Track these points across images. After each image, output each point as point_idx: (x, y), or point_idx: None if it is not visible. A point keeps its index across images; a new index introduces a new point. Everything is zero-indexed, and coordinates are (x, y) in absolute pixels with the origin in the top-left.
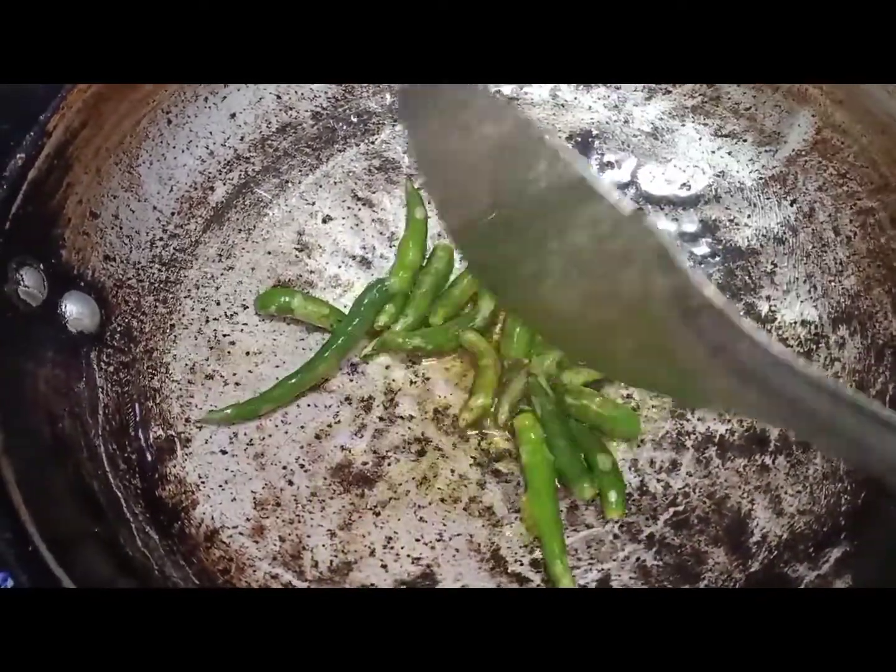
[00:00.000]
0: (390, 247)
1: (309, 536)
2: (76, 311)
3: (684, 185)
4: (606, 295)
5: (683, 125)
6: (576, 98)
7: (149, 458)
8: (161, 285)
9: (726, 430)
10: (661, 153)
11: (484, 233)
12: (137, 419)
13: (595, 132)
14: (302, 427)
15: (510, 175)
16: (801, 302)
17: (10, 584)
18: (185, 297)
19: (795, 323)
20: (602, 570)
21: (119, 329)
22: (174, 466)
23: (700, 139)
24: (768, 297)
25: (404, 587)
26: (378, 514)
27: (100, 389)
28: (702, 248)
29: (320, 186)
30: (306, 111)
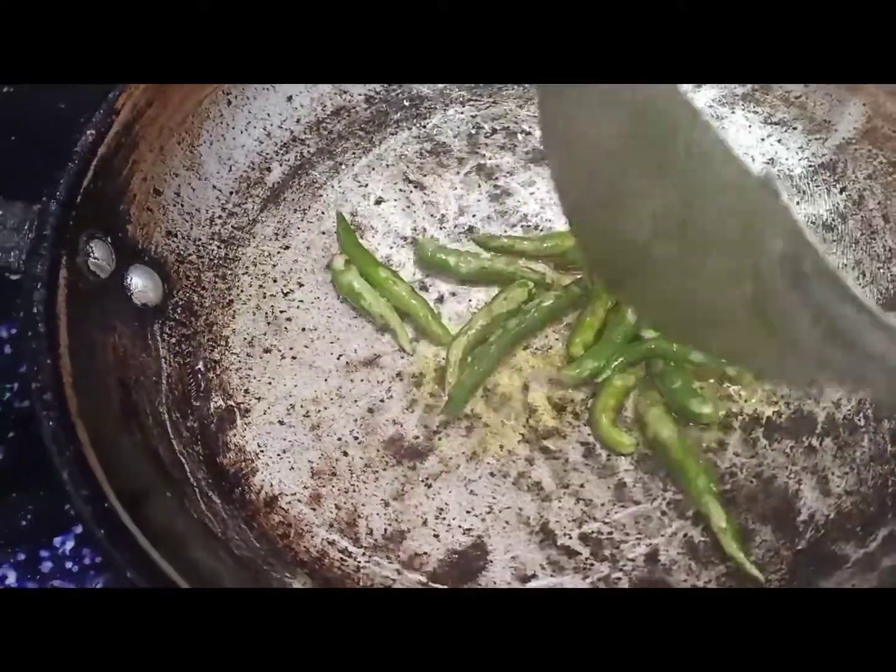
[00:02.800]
0: (440, 228)
1: (363, 505)
2: (141, 284)
3: None
4: (727, 266)
5: (733, 112)
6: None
7: (210, 426)
8: (220, 262)
9: (773, 411)
10: None
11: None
12: (199, 389)
13: None
14: (356, 401)
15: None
16: None
17: (70, 545)
18: (243, 274)
19: None
20: (650, 544)
21: (181, 303)
22: (234, 435)
23: (750, 127)
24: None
25: (455, 557)
26: (429, 486)
27: (163, 360)
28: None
29: (373, 169)
30: (360, 95)
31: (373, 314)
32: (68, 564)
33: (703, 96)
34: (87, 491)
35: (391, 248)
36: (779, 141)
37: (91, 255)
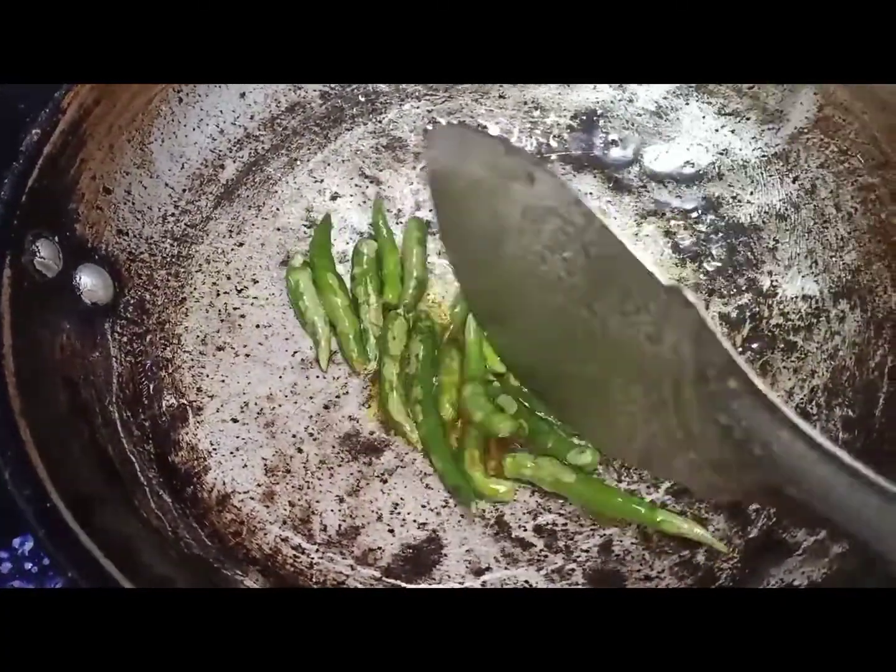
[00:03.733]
0: (396, 224)
1: (318, 502)
2: (90, 283)
3: (688, 163)
4: (637, 372)
5: (687, 104)
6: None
7: (162, 425)
8: (173, 259)
9: None
10: (665, 132)
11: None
12: (150, 388)
13: (600, 111)
14: (311, 397)
15: (537, 239)
16: (803, 277)
17: (28, 546)
18: (196, 272)
19: (796, 298)
20: (604, 535)
21: (132, 301)
22: (186, 434)
23: (704, 118)
24: (770, 273)
25: (410, 551)
26: (385, 482)
27: (114, 359)
28: (705, 225)
29: (328, 164)
30: (315, 91)
31: (306, 319)
32: (27, 565)
33: (656, 88)
34: (30, 491)
35: (347, 243)
36: (732, 131)
37: (37, 254)
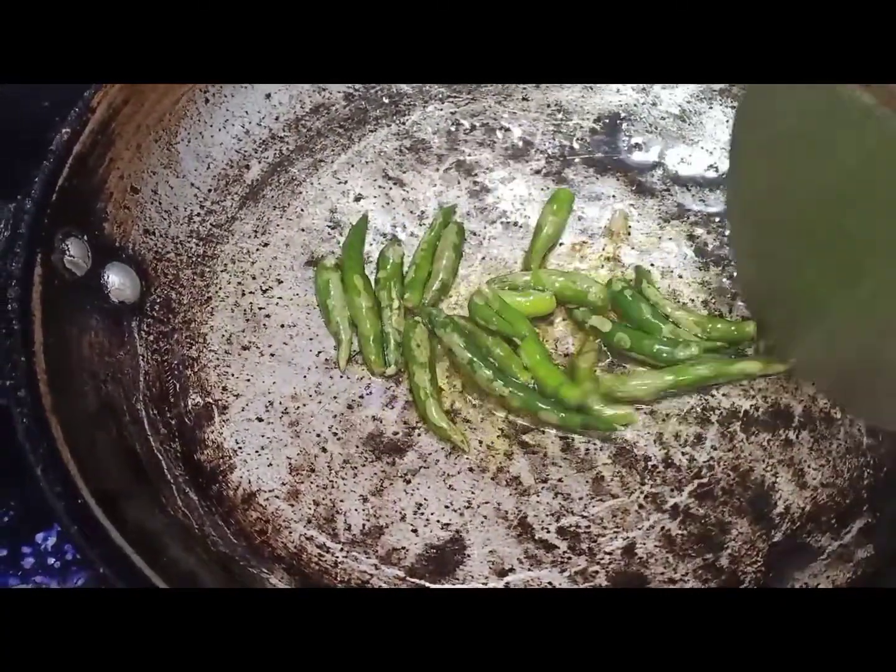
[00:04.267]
0: (420, 225)
1: (342, 501)
2: (118, 281)
3: (711, 166)
4: None
5: (711, 108)
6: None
7: (188, 423)
8: (198, 259)
9: (751, 405)
10: (688, 135)
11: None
12: (177, 386)
13: (623, 114)
14: (335, 397)
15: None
16: None
17: (51, 541)
18: (221, 272)
19: None
20: (627, 538)
21: (159, 300)
22: (212, 432)
23: (727, 121)
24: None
25: (433, 551)
26: (408, 482)
27: (141, 357)
28: (728, 229)
29: (352, 166)
30: (339, 92)
31: (330, 319)
32: (50, 560)
33: (680, 92)
34: (61, 487)
35: (371, 244)
36: None
37: (67, 252)
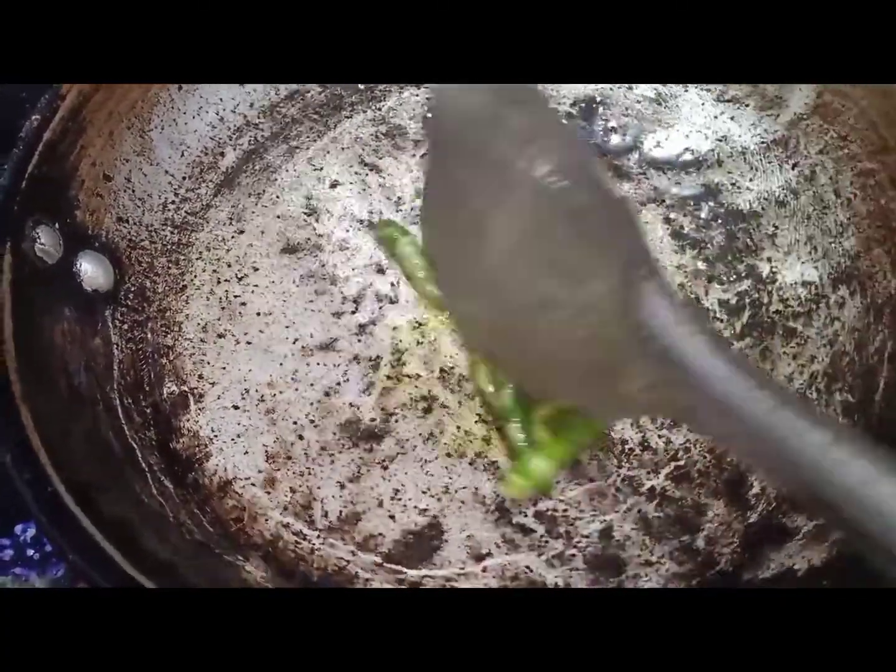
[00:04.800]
0: (397, 211)
1: (319, 488)
2: (91, 270)
3: (687, 149)
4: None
5: (686, 91)
6: None
7: (163, 412)
8: (173, 247)
9: None
10: (664, 119)
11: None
12: (151, 375)
13: (599, 98)
14: (311, 385)
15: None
16: (802, 263)
17: (31, 533)
18: (196, 259)
19: (796, 284)
20: (604, 521)
21: (133, 289)
22: (188, 420)
23: (703, 104)
24: (769, 259)
25: (411, 537)
26: (386, 468)
27: (115, 346)
28: (704, 212)
29: (328, 152)
30: None
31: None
32: (29, 552)
33: None
34: (30, 476)
35: (347, 231)
36: (731, 118)
37: (38, 240)
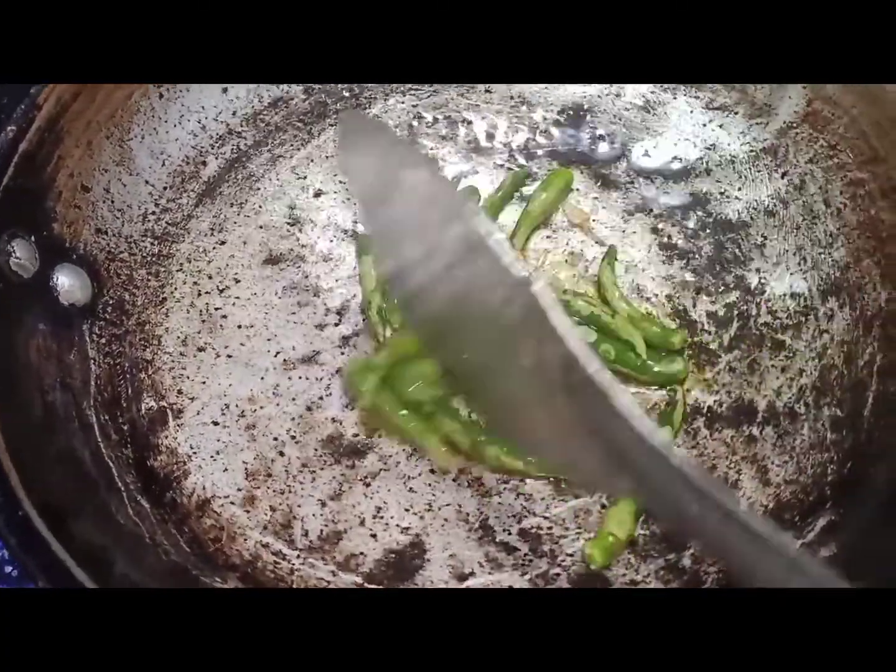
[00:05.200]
0: None
1: (299, 506)
2: (68, 283)
3: (675, 158)
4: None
5: (675, 98)
6: None
7: (140, 428)
8: (153, 259)
9: (714, 401)
10: (652, 126)
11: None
12: (129, 390)
13: (587, 106)
14: (293, 399)
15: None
16: (791, 274)
17: (4, 553)
18: (177, 271)
19: (785, 295)
20: (589, 539)
21: (111, 302)
22: (166, 437)
23: (691, 112)
24: (758, 270)
25: (393, 556)
26: (368, 485)
27: (92, 361)
28: (692, 222)
29: (312, 161)
30: (298, 86)
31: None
32: (7, 569)
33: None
34: (1, 498)
35: (331, 241)
36: (720, 126)
37: (12, 254)
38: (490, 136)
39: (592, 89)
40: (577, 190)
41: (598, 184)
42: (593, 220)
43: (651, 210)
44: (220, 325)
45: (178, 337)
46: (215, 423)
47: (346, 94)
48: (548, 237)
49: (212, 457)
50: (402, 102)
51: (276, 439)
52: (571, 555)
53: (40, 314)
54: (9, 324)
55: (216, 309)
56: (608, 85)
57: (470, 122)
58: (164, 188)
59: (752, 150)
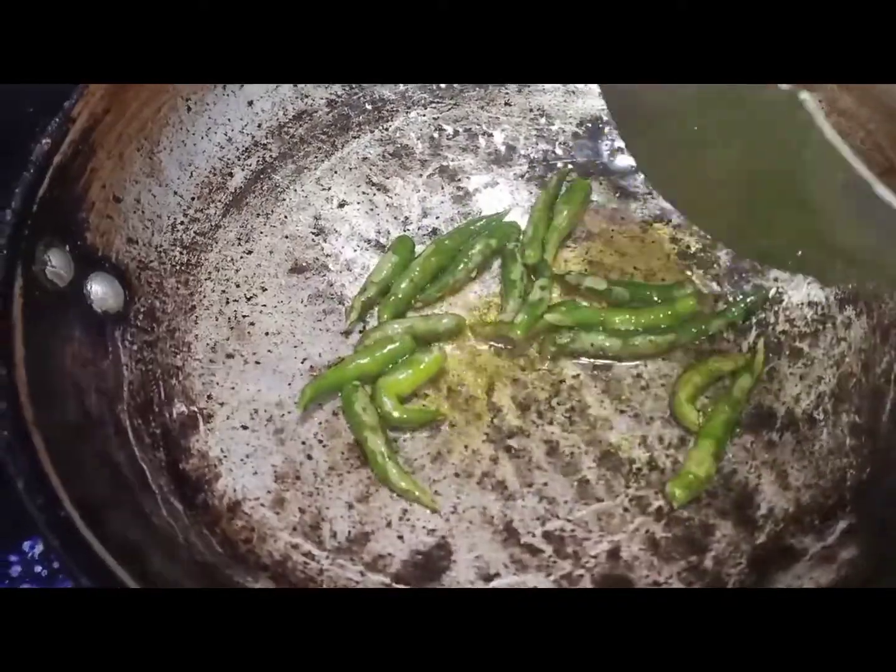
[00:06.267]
0: (404, 230)
1: (328, 508)
2: (101, 291)
3: None
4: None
5: None
6: (586, 84)
7: (172, 432)
8: (182, 268)
9: None
10: None
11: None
12: (161, 396)
13: (605, 118)
14: (320, 404)
15: None
16: (808, 284)
17: (38, 549)
18: (205, 280)
19: (802, 304)
20: (612, 541)
21: (142, 309)
22: (197, 441)
23: None
24: (776, 279)
25: (419, 557)
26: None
27: (124, 367)
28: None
29: (335, 172)
30: (321, 99)
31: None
32: (37, 569)
33: None
34: (43, 500)
35: (355, 251)
36: None
37: (49, 263)
38: (510, 148)
39: None
40: (596, 201)
41: (618, 195)
42: (612, 230)
43: (670, 220)
44: (248, 333)
45: (208, 344)
46: (244, 428)
47: (369, 108)
48: (567, 247)
49: (241, 460)
50: (423, 115)
51: (303, 443)
52: (595, 556)
53: (75, 322)
54: (46, 331)
55: (244, 316)
56: None
57: (490, 135)
58: (193, 199)
59: None
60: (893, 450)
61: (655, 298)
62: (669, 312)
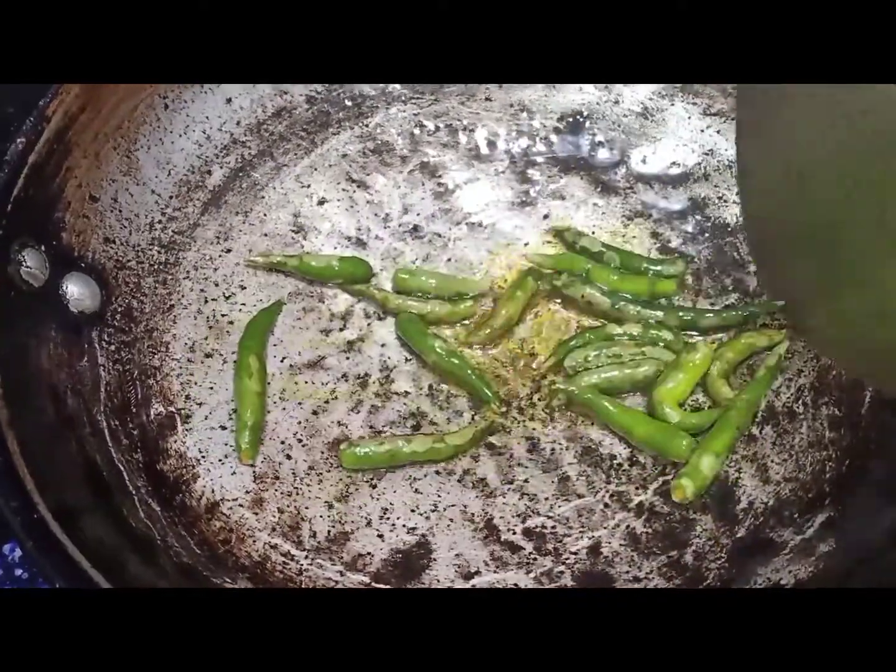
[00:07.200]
0: (384, 228)
1: (307, 508)
2: (77, 291)
3: (674, 163)
4: None
5: (673, 105)
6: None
7: (150, 433)
8: (160, 267)
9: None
10: (651, 132)
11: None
12: (138, 396)
13: (586, 113)
14: (300, 403)
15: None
16: None
17: (18, 553)
18: (184, 279)
19: None
20: (592, 537)
21: (120, 309)
22: (175, 442)
23: (689, 118)
24: (756, 273)
25: (399, 556)
26: (374, 487)
27: (101, 367)
28: (691, 225)
29: (315, 169)
30: (301, 95)
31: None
32: (17, 572)
33: (642, 90)
34: (17, 502)
35: (335, 248)
36: (718, 132)
37: (23, 263)
38: (491, 144)
39: (591, 96)
40: (577, 196)
41: (598, 189)
42: (593, 226)
43: (650, 215)
44: (227, 332)
45: (186, 343)
46: (223, 428)
47: (349, 104)
48: (548, 241)
49: (220, 460)
50: (404, 111)
51: (282, 443)
52: (575, 552)
53: (51, 322)
54: (21, 332)
55: (223, 315)
56: (606, 92)
57: (471, 130)
58: (171, 197)
59: None
60: (873, 442)
61: (643, 269)
62: (649, 288)
